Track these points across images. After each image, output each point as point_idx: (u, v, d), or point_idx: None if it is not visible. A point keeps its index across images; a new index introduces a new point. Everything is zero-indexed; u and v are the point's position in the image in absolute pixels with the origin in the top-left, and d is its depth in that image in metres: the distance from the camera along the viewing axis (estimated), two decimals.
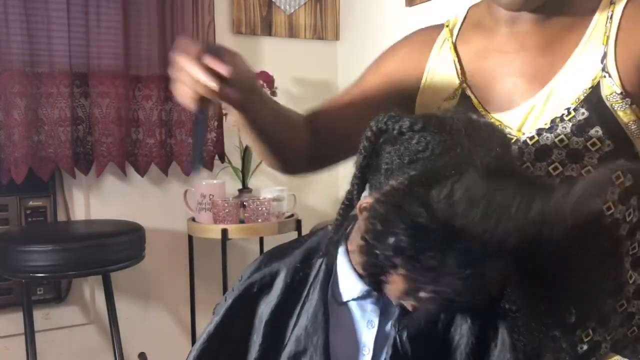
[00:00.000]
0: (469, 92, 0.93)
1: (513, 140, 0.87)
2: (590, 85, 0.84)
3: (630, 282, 0.89)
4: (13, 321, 2.11)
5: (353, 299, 0.85)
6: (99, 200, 2.27)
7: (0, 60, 2.01)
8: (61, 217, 2.22)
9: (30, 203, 2.14)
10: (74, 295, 2.26)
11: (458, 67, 0.94)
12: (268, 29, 2.52)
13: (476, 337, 0.80)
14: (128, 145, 2.22)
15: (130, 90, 2.22)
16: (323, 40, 2.64)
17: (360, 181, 0.81)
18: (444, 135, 0.73)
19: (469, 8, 1.00)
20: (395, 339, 0.82)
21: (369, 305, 0.84)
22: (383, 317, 0.84)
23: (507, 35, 0.91)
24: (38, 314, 2.13)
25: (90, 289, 2.28)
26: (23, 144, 2.03)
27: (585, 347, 0.89)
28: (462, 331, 0.81)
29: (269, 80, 2.26)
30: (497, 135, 0.76)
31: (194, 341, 1.80)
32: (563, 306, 0.71)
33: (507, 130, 0.88)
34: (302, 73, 2.59)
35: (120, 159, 2.19)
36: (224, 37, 2.42)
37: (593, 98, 0.83)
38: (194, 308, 2.30)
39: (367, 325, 0.84)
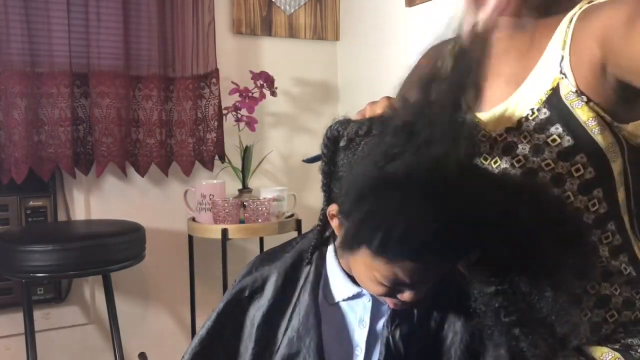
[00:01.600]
0: None
1: (487, 137, 0.95)
2: (550, 87, 0.91)
3: (600, 265, 0.93)
4: (13, 321, 2.11)
5: (344, 300, 0.86)
6: (99, 200, 2.27)
7: (0, 60, 2.01)
8: (61, 217, 2.22)
9: (31, 203, 2.14)
10: (74, 295, 2.26)
11: None
12: (268, 29, 2.53)
13: (470, 334, 0.80)
14: (128, 145, 2.22)
15: (130, 90, 2.22)
16: (323, 40, 2.64)
17: (327, 187, 0.83)
18: (386, 138, 0.75)
19: None
20: (388, 338, 0.82)
21: (360, 305, 0.85)
22: (374, 317, 0.84)
23: (499, 39, 0.97)
24: (38, 314, 2.13)
25: (90, 289, 2.28)
26: (23, 144, 2.03)
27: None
28: (455, 328, 0.81)
29: (269, 80, 2.26)
30: (438, 130, 0.76)
31: None
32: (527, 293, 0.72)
33: (483, 127, 0.95)
34: (302, 73, 2.59)
35: (120, 159, 2.19)
36: (224, 37, 2.42)
37: (553, 99, 0.90)
38: (194, 308, 2.30)
39: (358, 325, 0.85)
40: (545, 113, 0.90)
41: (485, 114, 0.97)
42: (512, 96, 0.95)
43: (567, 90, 0.89)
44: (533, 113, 0.92)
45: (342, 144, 0.80)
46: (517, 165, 0.91)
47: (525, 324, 0.71)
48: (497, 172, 0.85)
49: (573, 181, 0.89)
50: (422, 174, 0.67)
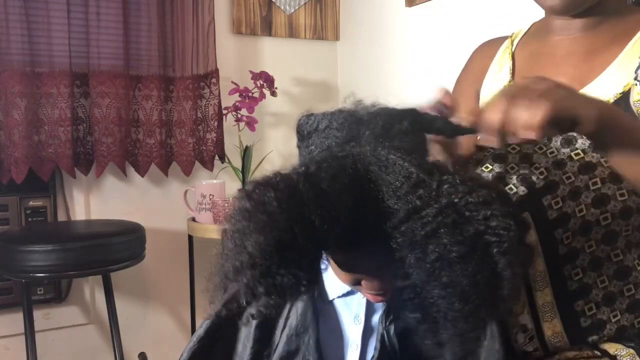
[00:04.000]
0: None
1: None
2: (621, 91, 0.94)
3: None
4: (13, 321, 2.11)
5: (338, 297, 0.87)
6: (99, 200, 2.27)
7: (0, 60, 2.01)
8: (61, 217, 2.22)
9: (31, 203, 2.14)
10: (74, 295, 2.26)
11: (511, 69, 1.08)
12: (268, 29, 2.53)
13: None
14: (128, 145, 2.22)
15: (130, 90, 2.22)
16: (323, 40, 2.64)
17: None
18: (330, 132, 0.75)
19: (533, 23, 1.14)
20: (382, 334, 0.82)
21: (354, 301, 0.86)
22: (369, 312, 0.85)
23: (558, 42, 1.03)
24: (38, 314, 2.13)
25: (90, 289, 2.28)
26: (23, 144, 2.03)
27: (588, 322, 0.93)
28: None
29: (269, 80, 2.26)
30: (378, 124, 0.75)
31: None
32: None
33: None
34: (302, 73, 2.59)
35: (120, 159, 2.19)
36: (224, 37, 2.42)
37: (622, 102, 0.93)
38: (194, 308, 2.30)
39: (353, 321, 0.86)
40: None
41: None
42: None
43: (638, 97, 0.93)
44: None
45: (301, 138, 0.81)
46: (575, 157, 0.94)
47: (427, 319, 0.70)
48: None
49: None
50: (316, 168, 0.67)
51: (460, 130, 0.77)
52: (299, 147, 0.81)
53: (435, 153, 0.80)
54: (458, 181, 0.65)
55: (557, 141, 0.96)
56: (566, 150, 0.94)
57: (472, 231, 0.63)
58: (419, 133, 0.74)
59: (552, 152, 0.95)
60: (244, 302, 0.68)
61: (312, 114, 0.80)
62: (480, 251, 0.63)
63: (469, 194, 0.64)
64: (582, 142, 0.94)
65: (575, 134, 0.92)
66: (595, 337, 0.93)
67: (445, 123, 0.77)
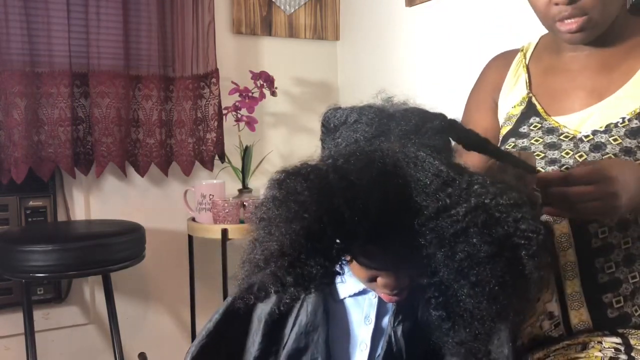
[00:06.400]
0: (534, 100, 1.12)
1: (569, 137, 1.05)
2: None
3: None
4: (13, 321, 2.11)
5: (349, 296, 0.86)
6: (99, 200, 2.27)
7: (0, 60, 2.01)
8: (61, 217, 2.22)
9: (30, 203, 2.14)
10: (74, 295, 2.26)
11: (527, 81, 1.15)
12: (268, 29, 2.52)
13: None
14: (128, 145, 2.22)
15: (130, 90, 2.22)
16: (323, 40, 2.64)
17: None
18: (359, 126, 0.75)
19: (541, 37, 1.21)
20: (390, 335, 0.82)
21: (365, 301, 0.86)
22: (380, 313, 0.85)
23: (571, 57, 1.11)
24: (38, 314, 2.13)
25: (90, 289, 2.28)
26: (23, 144, 2.03)
27: (615, 314, 0.97)
28: None
29: (269, 80, 2.26)
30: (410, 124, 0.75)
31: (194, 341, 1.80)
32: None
33: (565, 129, 1.05)
34: (302, 73, 2.59)
35: (120, 159, 2.19)
36: (224, 37, 2.42)
37: None
38: (194, 308, 2.30)
39: (364, 321, 0.85)
40: (636, 123, 1.00)
41: (565, 117, 1.07)
42: (598, 104, 1.05)
43: None
44: (624, 121, 1.01)
45: (326, 131, 0.80)
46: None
47: (452, 317, 0.69)
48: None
49: None
50: (343, 160, 0.67)
51: (481, 149, 0.77)
52: (322, 140, 0.81)
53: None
54: (488, 182, 0.65)
55: (585, 147, 1.02)
56: (597, 155, 1.01)
57: (501, 232, 0.63)
58: (447, 135, 0.75)
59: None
60: (273, 292, 0.68)
61: (339, 107, 0.80)
62: (508, 252, 0.63)
63: (500, 195, 0.64)
64: (611, 148, 0.99)
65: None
66: (622, 330, 0.96)
67: (475, 135, 0.78)
